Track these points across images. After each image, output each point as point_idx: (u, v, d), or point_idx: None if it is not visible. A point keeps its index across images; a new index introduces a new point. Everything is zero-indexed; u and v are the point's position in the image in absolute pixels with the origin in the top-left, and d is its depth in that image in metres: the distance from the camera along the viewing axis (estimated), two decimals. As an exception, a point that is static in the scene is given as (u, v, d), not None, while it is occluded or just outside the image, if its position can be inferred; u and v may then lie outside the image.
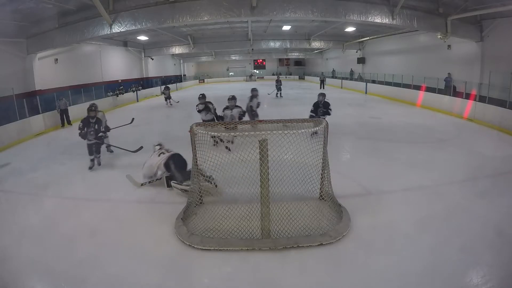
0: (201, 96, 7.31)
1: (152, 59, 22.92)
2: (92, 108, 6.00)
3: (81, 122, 5.96)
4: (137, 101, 18.95)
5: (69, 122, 11.42)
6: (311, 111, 7.68)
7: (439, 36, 11.62)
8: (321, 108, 7.59)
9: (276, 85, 17.93)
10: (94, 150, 6.14)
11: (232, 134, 4.18)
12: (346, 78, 23.54)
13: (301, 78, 34.70)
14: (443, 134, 8.58)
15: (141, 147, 6.57)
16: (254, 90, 8.48)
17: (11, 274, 3.12)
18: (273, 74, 36.66)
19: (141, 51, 21.93)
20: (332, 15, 9.93)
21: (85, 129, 5.91)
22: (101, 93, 15.79)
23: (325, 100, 7.72)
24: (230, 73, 37.17)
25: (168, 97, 15.91)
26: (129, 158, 6.54)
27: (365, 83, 19.50)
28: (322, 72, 25.53)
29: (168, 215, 4.14)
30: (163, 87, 18.13)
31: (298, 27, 18.24)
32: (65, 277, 3.07)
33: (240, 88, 26.10)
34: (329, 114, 7.58)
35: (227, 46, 21.89)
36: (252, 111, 8.35)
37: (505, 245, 3.39)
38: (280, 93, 17.88)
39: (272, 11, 9.49)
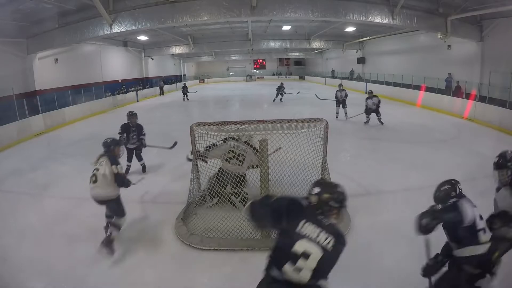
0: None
1: (152, 59, 22.89)
2: (134, 114, 5.91)
3: (120, 128, 5.78)
4: (137, 101, 18.96)
5: None
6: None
7: (439, 36, 11.60)
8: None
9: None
10: (133, 156, 5.88)
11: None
12: (346, 78, 23.51)
13: (301, 78, 34.70)
14: (443, 134, 8.58)
15: (176, 143, 6.06)
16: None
17: (11, 274, 3.12)
18: (273, 74, 36.67)
19: (141, 51, 21.90)
20: (332, 15, 9.94)
21: (125, 134, 5.70)
22: (101, 93, 15.79)
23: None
24: (230, 73, 37.17)
25: (186, 93, 19.19)
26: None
27: (365, 83, 19.49)
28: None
29: (168, 215, 4.14)
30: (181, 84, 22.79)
31: (298, 27, 18.21)
32: (65, 277, 3.08)
33: (240, 88, 26.16)
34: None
35: (227, 46, 21.89)
36: None
37: (505, 245, 3.38)
38: (280, 98, 16.24)
39: (272, 11, 9.50)
